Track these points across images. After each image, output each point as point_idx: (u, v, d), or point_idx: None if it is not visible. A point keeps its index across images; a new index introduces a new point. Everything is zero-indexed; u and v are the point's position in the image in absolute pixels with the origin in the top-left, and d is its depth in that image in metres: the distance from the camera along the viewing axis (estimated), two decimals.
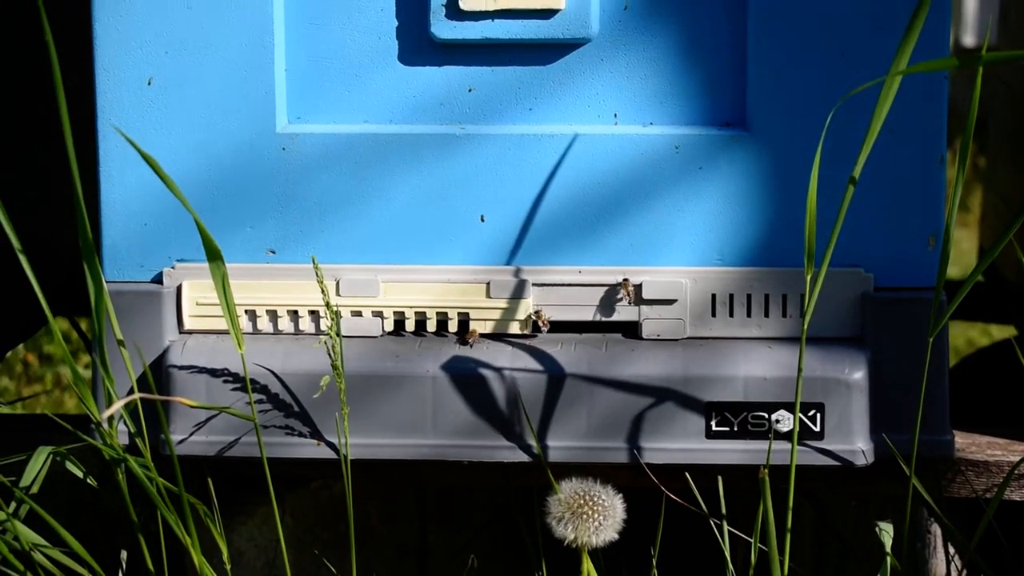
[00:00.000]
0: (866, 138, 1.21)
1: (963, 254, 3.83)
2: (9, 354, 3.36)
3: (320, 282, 1.30)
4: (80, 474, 1.35)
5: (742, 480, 1.38)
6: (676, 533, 1.56)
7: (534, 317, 1.40)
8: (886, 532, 1.30)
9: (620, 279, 1.39)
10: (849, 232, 1.37)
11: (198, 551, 1.29)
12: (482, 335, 1.40)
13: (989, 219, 2.14)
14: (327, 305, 1.30)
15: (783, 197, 1.38)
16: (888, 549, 1.29)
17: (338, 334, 1.30)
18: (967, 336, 3.60)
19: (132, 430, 1.34)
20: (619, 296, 1.40)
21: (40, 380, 3.25)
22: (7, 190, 1.77)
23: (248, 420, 1.35)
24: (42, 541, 1.32)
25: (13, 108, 1.82)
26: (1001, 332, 3.21)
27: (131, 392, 1.37)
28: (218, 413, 1.38)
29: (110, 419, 1.34)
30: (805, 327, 1.25)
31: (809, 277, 1.24)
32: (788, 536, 1.28)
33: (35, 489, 1.32)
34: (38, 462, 1.32)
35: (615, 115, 1.40)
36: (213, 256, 1.25)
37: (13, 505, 1.32)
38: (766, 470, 1.23)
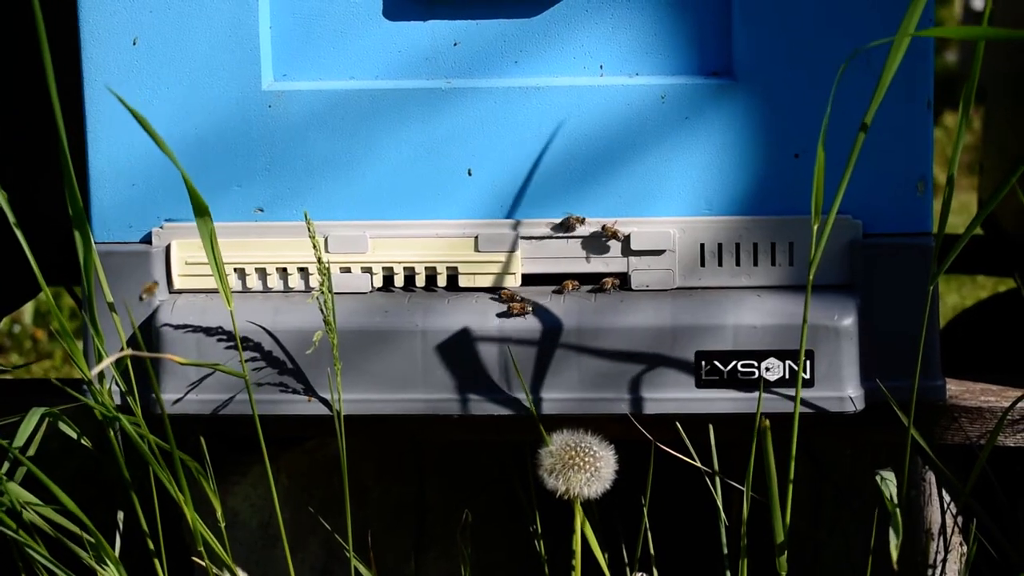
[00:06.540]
0: (875, 94, 1.19)
1: (969, 217, 3.82)
2: (18, 330, 3.37)
3: (312, 237, 1.30)
4: (73, 435, 1.35)
5: (732, 431, 1.37)
6: (670, 485, 1.56)
7: (603, 230, 1.39)
8: (889, 481, 1.29)
9: (609, 231, 1.39)
10: (837, 180, 1.36)
11: (191, 507, 1.29)
12: (472, 288, 1.40)
13: (990, 174, 2.13)
14: (318, 261, 1.30)
15: (771, 146, 1.38)
16: (891, 498, 1.28)
17: (329, 290, 1.30)
18: (976, 297, 3.59)
19: (123, 389, 1.34)
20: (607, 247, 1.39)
21: (49, 356, 3.26)
22: (7, 161, 1.78)
23: (240, 377, 1.35)
24: (36, 500, 1.32)
25: (14, 79, 1.81)
26: (1006, 289, 3.20)
27: (122, 351, 1.37)
28: (211, 372, 1.39)
29: (101, 378, 1.34)
30: (811, 275, 1.23)
31: (816, 227, 1.23)
32: (790, 487, 1.27)
33: (31, 452, 1.32)
34: (31, 423, 1.32)
35: (601, 66, 1.40)
36: (200, 212, 1.25)
37: (6, 465, 1.32)
38: (766, 420, 1.22)
